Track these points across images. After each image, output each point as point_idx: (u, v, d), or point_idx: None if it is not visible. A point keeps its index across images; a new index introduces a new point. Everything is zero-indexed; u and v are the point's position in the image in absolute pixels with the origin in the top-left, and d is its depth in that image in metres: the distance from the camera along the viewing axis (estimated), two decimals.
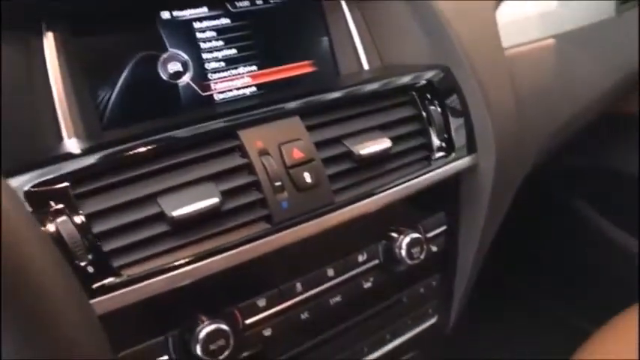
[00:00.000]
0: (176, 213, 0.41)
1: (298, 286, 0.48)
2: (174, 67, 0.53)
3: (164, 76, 0.52)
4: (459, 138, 0.57)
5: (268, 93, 0.57)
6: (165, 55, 0.53)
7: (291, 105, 0.49)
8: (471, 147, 0.58)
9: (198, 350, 0.42)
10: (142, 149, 0.42)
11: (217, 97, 0.55)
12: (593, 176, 1.22)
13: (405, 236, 0.53)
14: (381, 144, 0.51)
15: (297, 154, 0.47)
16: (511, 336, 1.20)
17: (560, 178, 1.25)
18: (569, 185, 1.25)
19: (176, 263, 0.41)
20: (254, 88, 0.57)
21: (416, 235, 0.53)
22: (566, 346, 0.78)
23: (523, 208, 1.21)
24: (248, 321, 0.46)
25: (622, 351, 0.84)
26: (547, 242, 1.32)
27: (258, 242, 0.44)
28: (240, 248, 0.43)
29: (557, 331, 1.04)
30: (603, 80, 0.86)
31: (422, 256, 0.53)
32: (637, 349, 0.41)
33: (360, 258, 0.52)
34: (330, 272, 0.50)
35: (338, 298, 0.50)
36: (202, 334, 0.42)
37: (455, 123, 0.57)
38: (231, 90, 0.56)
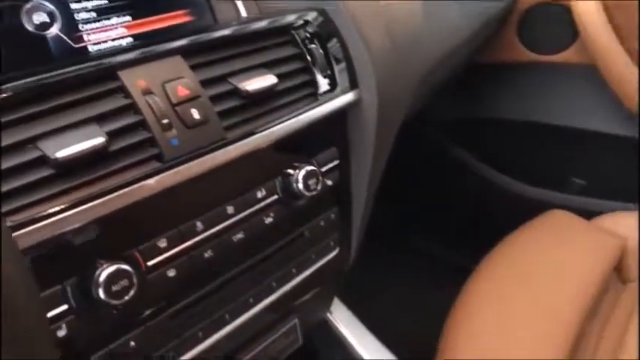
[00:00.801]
0: (59, 154, 0.40)
1: (199, 225, 0.48)
2: (39, 17, 0.50)
3: (30, 27, 0.50)
4: (342, 75, 0.60)
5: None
6: (28, 5, 0.50)
7: (172, 45, 0.48)
8: (353, 83, 0.60)
9: (101, 294, 0.41)
10: (16, 92, 0.40)
11: (92, 48, 0.53)
12: (470, 126, 1.31)
13: (301, 170, 0.54)
14: (266, 81, 0.52)
15: (182, 92, 0.47)
16: (399, 278, 1.27)
17: (442, 131, 1.33)
18: (450, 136, 1.34)
19: (63, 206, 0.39)
20: (130, 39, 0.56)
21: (310, 167, 0.54)
22: (454, 285, 0.85)
23: (409, 159, 1.28)
24: (150, 262, 0.45)
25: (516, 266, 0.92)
26: (432, 190, 1.41)
27: (150, 180, 0.43)
28: (132, 187, 0.42)
29: (444, 271, 1.10)
30: (467, 25, 0.93)
31: (318, 187, 0.54)
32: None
33: (259, 194, 0.52)
34: (230, 209, 0.50)
35: (240, 235, 0.51)
36: (103, 277, 0.41)
37: (337, 61, 0.59)
38: (106, 41, 0.54)
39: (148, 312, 0.46)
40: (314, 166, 0.55)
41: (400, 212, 1.40)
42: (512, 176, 1.27)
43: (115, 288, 0.41)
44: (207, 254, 0.48)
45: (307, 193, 0.54)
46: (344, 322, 0.69)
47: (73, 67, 0.43)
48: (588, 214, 1.02)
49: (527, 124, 1.24)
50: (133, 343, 0.44)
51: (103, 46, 0.54)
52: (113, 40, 0.54)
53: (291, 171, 0.54)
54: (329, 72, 0.58)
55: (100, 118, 0.43)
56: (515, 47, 1.17)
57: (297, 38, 0.58)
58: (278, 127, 0.52)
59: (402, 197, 1.38)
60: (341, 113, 0.60)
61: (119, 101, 0.44)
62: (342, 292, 0.73)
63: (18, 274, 0.31)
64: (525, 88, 1.23)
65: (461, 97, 1.30)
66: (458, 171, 1.33)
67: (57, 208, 0.39)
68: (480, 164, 1.29)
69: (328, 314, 0.70)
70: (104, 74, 0.44)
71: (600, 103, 1.15)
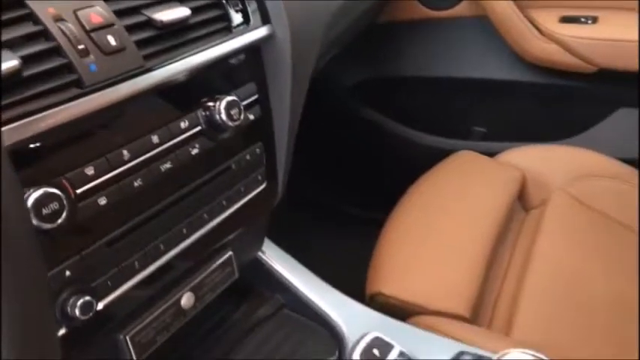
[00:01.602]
0: None
1: (125, 153, 0.48)
2: None
3: None
4: (254, 11, 0.61)
5: None
6: None
7: None
8: (265, 19, 0.62)
9: (32, 218, 0.40)
10: None
11: None
12: (377, 86, 1.37)
13: (221, 101, 0.55)
14: (180, 12, 0.53)
15: (96, 19, 0.46)
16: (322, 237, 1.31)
17: (350, 93, 1.38)
18: (359, 97, 1.38)
19: None
20: None
21: (231, 97, 0.55)
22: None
23: (322, 124, 1.31)
24: (79, 190, 0.44)
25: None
26: (346, 151, 1.45)
27: (70, 105, 0.43)
28: (52, 111, 0.42)
29: (360, 225, 1.15)
30: None
31: (241, 117, 0.56)
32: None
33: (182, 125, 0.53)
34: (155, 139, 0.50)
35: (168, 165, 0.51)
36: (32, 200, 0.40)
37: None
38: None
39: (82, 240, 0.45)
40: (234, 96, 0.56)
41: (316, 175, 1.43)
42: (421, 130, 1.34)
43: (45, 211, 0.40)
44: (137, 183, 0.48)
45: (231, 123, 0.55)
46: (278, 259, 0.71)
47: None
48: (491, 156, 1.10)
49: (429, 79, 1.31)
50: (68, 273, 0.44)
51: None
52: None
53: (212, 103, 0.55)
54: (241, 7, 0.60)
55: (11, 44, 0.42)
56: (411, 5, 1.23)
57: None
58: (195, 56, 0.53)
59: (316, 161, 1.42)
60: (255, 48, 0.61)
61: (30, 28, 0.43)
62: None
63: None
64: (425, 44, 1.29)
65: (365, 59, 1.35)
66: (369, 130, 1.38)
67: None
68: (390, 121, 1.35)
69: (261, 254, 0.71)
70: (11, 2, 0.43)
71: (494, 52, 1.24)
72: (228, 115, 0.55)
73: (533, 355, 0.53)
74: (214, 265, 0.59)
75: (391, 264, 0.83)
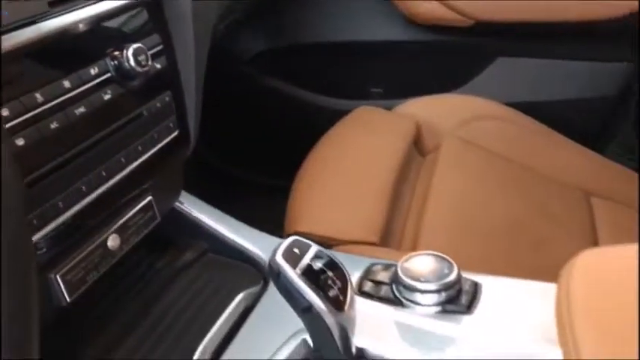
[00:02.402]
0: None
1: (38, 96, 0.49)
2: None
3: None
4: None
5: None
6: None
7: None
8: None
9: None
10: None
11: None
12: (277, 55, 1.41)
13: (128, 49, 0.57)
14: None
15: None
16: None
17: (252, 64, 1.41)
18: (261, 67, 1.42)
19: None
20: None
21: (137, 44, 0.58)
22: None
23: (227, 97, 1.34)
24: None
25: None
26: (253, 122, 1.49)
27: None
28: None
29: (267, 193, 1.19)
30: None
31: (149, 64, 0.59)
32: None
33: (92, 71, 0.55)
34: (67, 84, 0.52)
35: (82, 109, 0.53)
36: None
37: None
38: None
39: None
40: (142, 45, 0.59)
41: (223, 147, 1.46)
42: (323, 94, 1.41)
43: None
44: (54, 125, 0.50)
45: (139, 69, 0.58)
46: (197, 207, 0.74)
47: None
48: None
49: (326, 45, 1.38)
50: None
51: None
52: None
53: (119, 52, 0.58)
54: None
55: None
56: None
57: None
58: (97, 5, 0.56)
59: (222, 133, 1.45)
60: (156, 2, 0.64)
61: None
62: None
63: None
64: (319, 11, 1.36)
65: (263, 30, 1.40)
66: (272, 98, 1.43)
67: None
68: (292, 87, 1.40)
69: (181, 204, 0.74)
70: None
71: (384, 15, 1.32)
72: (137, 62, 0.58)
73: (437, 255, 0.60)
74: (136, 209, 0.62)
75: (305, 206, 0.88)
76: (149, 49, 0.62)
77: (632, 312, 0.44)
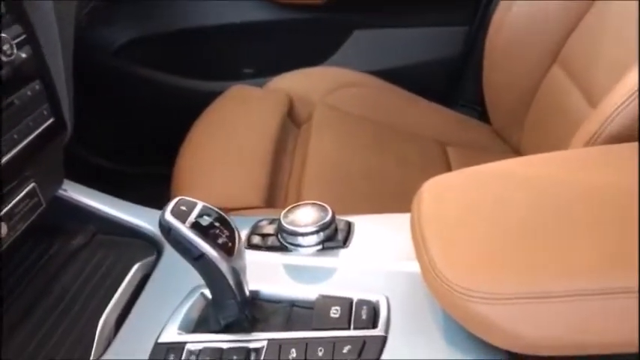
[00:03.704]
0: None
1: None
2: None
3: None
4: None
5: None
6: None
7: None
8: None
9: None
10: None
11: None
12: (146, 44, 1.42)
13: None
14: None
15: None
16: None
17: (118, 53, 1.41)
18: (130, 58, 1.42)
19: None
20: None
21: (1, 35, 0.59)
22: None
23: (97, 91, 1.33)
24: None
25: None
26: (122, 111, 1.48)
27: None
28: None
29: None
30: None
31: (14, 52, 0.60)
32: None
33: None
34: None
35: None
36: None
37: None
38: None
39: None
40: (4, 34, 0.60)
41: (99, 141, 1.45)
42: (196, 79, 1.44)
43: None
44: None
45: (5, 59, 0.59)
46: (82, 193, 0.76)
47: None
48: None
49: (192, 30, 1.41)
50: None
51: None
52: None
53: None
54: None
55: None
56: None
57: None
58: None
59: (96, 127, 1.43)
60: None
61: None
62: None
63: None
64: None
65: (127, 20, 1.39)
66: (145, 88, 1.43)
67: None
68: (163, 74, 1.42)
69: (64, 192, 0.76)
70: None
71: None
72: (1, 51, 0.59)
73: (313, 203, 0.67)
74: (20, 195, 0.63)
75: (189, 180, 0.93)
76: (13, 39, 0.63)
77: (472, 221, 0.54)
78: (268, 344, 0.53)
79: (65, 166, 0.75)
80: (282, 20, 1.38)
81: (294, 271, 0.63)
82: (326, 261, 0.63)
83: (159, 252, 0.71)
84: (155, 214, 0.76)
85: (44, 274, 0.68)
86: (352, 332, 0.53)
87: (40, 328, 0.61)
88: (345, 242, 0.65)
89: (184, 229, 0.51)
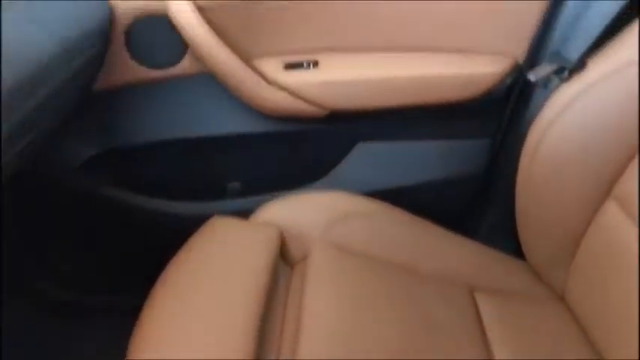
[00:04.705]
0: None
1: None
2: None
3: None
4: None
5: None
6: None
7: None
8: None
9: None
10: None
11: None
12: (111, 159, 1.21)
13: None
14: None
15: None
16: None
17: (80, 171, 1.19)
18: (93, 176, 1.21)
19: None
20: None
21: None
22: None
23: (55, 214, 1.12)
24: None
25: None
26: (89, 238, 1.27)
27: None
28: None
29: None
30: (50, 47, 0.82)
31: None
32: None
33: None
34: None
35: None
36: None
37: None
38: None
39: None
40: None
41: (57, 269, 1.23)
42: (170, 198, 1.22)
43: None
44: None
45: None
46: None
47: None
48: (249, 212, 1.03)
49: (169, 142, 1.20)
50: None
51: None
52: None
53: None
54: None
55: None
56: (129, 67, 1.11)
57: None
58: None
59: (55, 253, 1.22)
60: None
61: None
62: None
63: None
64: (155, 107, 1.18)
65: (91, 134, 1.18)
66: (111, 209, 1.21)
67: None
68: (133, 195, 1.20)
69: None
70: None
71: (229, 107, 1.17)
72: None
73: None
74: None
75: (154, 334, 0.73)
76: None
77: None
78: None
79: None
80: (272, 132, 1.18)
81: None
82: None
83: None
84: None
85: None
86: None
87: None
88: None
89: None
